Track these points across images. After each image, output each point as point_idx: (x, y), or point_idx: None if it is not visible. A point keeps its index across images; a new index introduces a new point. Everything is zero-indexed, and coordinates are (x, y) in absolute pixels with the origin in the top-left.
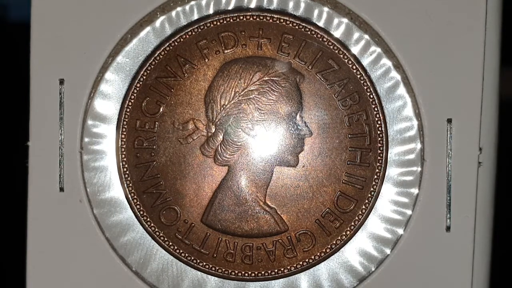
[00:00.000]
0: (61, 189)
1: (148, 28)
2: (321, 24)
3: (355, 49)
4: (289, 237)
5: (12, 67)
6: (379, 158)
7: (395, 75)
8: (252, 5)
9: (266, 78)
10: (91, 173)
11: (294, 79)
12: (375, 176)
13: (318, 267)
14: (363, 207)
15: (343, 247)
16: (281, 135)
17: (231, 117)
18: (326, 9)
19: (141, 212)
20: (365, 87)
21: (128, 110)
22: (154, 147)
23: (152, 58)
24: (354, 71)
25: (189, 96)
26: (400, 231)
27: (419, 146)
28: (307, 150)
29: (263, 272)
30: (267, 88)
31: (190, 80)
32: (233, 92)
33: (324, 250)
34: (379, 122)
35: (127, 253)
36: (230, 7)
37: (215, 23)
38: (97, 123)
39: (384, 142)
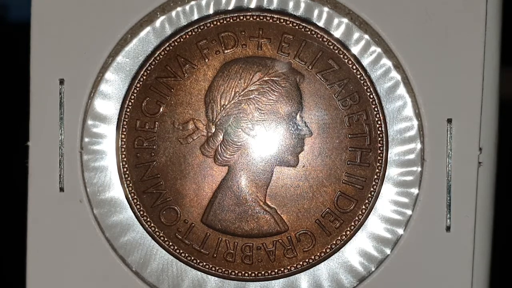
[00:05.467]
0: (61, 189)
1: (148, 28)
2: (321, 24)
3: (355, 49)
4: (289, 237)
5: (12, 67)
6: (379, 158)
7: (395, 75)
8: (252, 5)
9: (266, 78)
10: (91, 173)
11: (294, 79)
12: (375, 176)
13: (318, 267)
14: (363, 207)
15: (343, 247)
16: (281, 135)
17: (231, 117)
18: (326, 9)
19: (141, 212)
20: (365, 87)
21: (128, 110)
22: (154, 147)
23: (152, 58)
24: (354, 71)
25: (189, 96)
26: (400, 231)
27: (419, 146)
28: (307, 150)
29: (263, 272)
30: (267, 88)
31: (190, 80)
32: (233, 92)
33: (324, 250)
34: (379, 122)
35: (127, 253)
36: (230, 7)
37: (215, 23)
38: (97, 123)
39: (384, 142)
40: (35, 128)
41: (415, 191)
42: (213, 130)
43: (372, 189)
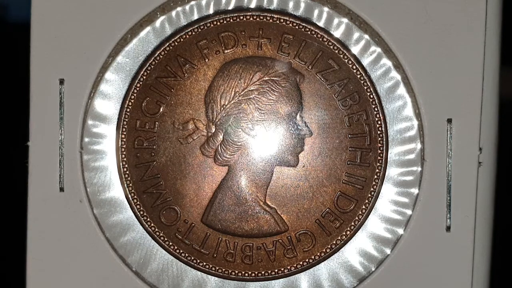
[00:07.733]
0: (61, 189)
1: (148, 28)
2: (321, 24)
3: (355, 49)
4: (289, 237)
5: (12, 67)
6: (379, 158)
7: (395, 75)
8: (252, 5)
9: (266, 78)
10: (91, 173)
11: (294, 79)
12: (375, 176)
13: (318, 267)
14: (363, 207)
15: (343, 247)
16: (281, 135)
17: (231, 117)
18: (326, 9)
19: (141, 212)
20: (365, 87)
21: (128, 110)
22: (154, 147)
23: (152, 58)
24: (354, 71)
25: (189, 96)
26: (400, 231)
27: (419, 146)
28: (307, 150)
29: (263, 272)
30: (267, 88)
31: (190, 80)
32: (233, 92)
33: (324, 250)
34: (379, 122)
35: (127, 253)
36: (230, 7)
37: (215, 23)
38: (97, 123)
39: (384, 142)
40: (35, 128)
41: (415, 191)
42: (213, 130)
43: (372, 189)
